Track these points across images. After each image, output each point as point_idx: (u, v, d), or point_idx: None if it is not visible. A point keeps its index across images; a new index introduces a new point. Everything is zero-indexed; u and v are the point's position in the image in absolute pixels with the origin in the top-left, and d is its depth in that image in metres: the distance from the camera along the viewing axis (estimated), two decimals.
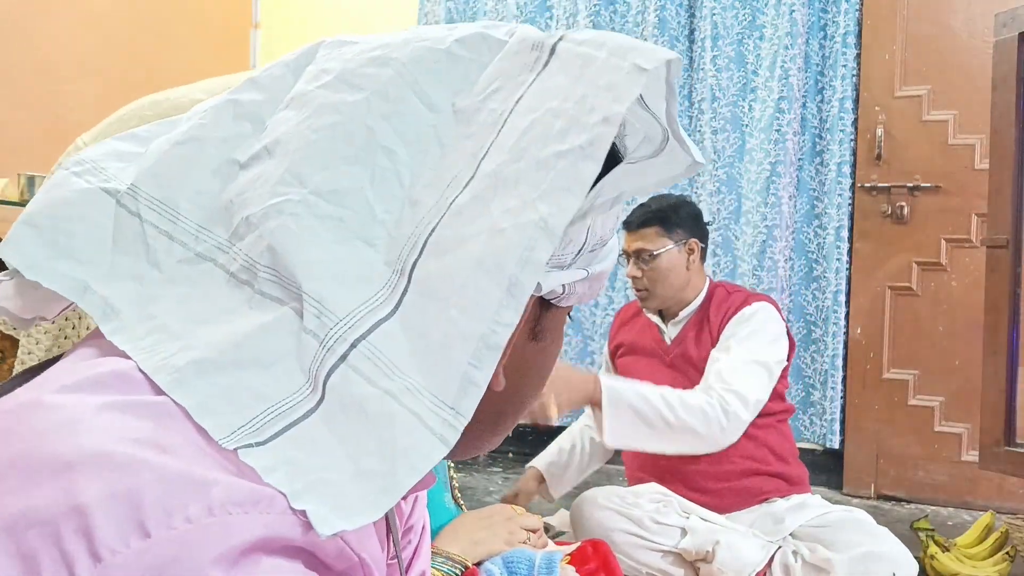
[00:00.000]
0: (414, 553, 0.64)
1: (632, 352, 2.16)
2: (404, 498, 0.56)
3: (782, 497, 1.96)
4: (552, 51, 0.46)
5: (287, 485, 0.38)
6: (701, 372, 1.98)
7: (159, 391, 0.41)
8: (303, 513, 0.38)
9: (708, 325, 2.04)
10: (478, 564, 1.16)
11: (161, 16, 3.38)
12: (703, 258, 2.12)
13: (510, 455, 3.52)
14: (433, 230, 0.43)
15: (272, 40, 3.98)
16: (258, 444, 0.39)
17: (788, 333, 2.02)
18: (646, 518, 1.87)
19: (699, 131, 3.29)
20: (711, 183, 3.26)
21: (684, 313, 2.09)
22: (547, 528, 1.43)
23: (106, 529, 0.34)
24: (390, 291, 0.42)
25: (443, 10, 3.63)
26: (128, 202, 0.48)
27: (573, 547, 1.36)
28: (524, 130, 0.44)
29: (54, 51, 2.98)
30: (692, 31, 3.34)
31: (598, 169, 0.42)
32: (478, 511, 1.30)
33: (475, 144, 0.45)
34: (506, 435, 0.54)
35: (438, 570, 1.12)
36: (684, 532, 1.85)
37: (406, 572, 0.59)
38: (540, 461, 2.30)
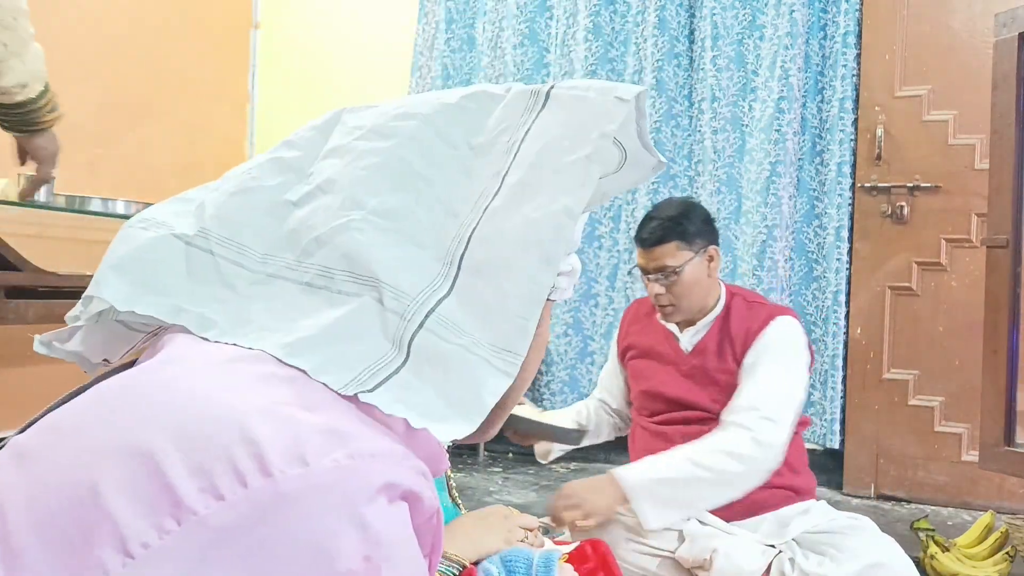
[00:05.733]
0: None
1: (646, 356, 2.09)
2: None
3: (789, 505, 1.94)
4: (548, 96, 0.62)
5: (405, 414, 0.52)
6: (719, 385, 1.93)
7: (281, 364, 0.52)
8: (413, 466, 0.50)
9: (730, 340, 1.96)
10: (476, 563, 1.16)
11: (161, 16, 3.38)
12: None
13: (510, 455, 3.52)
14: (474, 229, 0.57)
15: (272, 40, 3.97)
16: (368, 391, 0.52)
17: (809, 346, 1.97)
18: None
19: (699, 131, 3.29)
20: (711, 183, 3.26)
21: (703, 322, 2.00)
22: (546, 529, 1.43)
23: (275, 456, 0.45)
24: (443, 278, 0.56)
25: (443, 10, 3.62)
26: (200, 242, 0.61)
27: (572, 546, 1.35)
28: (538, 150, 0.59)
29: (54, 51, 2.97)
30: (692, 31, 3.34)
31: (602, 170, 0.56)
32: (476, 511, 1.30)
33: (495, 167, 0.60)
34: (504, 419, 0.67)
35: (436, 570, 1.12)
36: (682, 536, 1.83)
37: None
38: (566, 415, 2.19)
